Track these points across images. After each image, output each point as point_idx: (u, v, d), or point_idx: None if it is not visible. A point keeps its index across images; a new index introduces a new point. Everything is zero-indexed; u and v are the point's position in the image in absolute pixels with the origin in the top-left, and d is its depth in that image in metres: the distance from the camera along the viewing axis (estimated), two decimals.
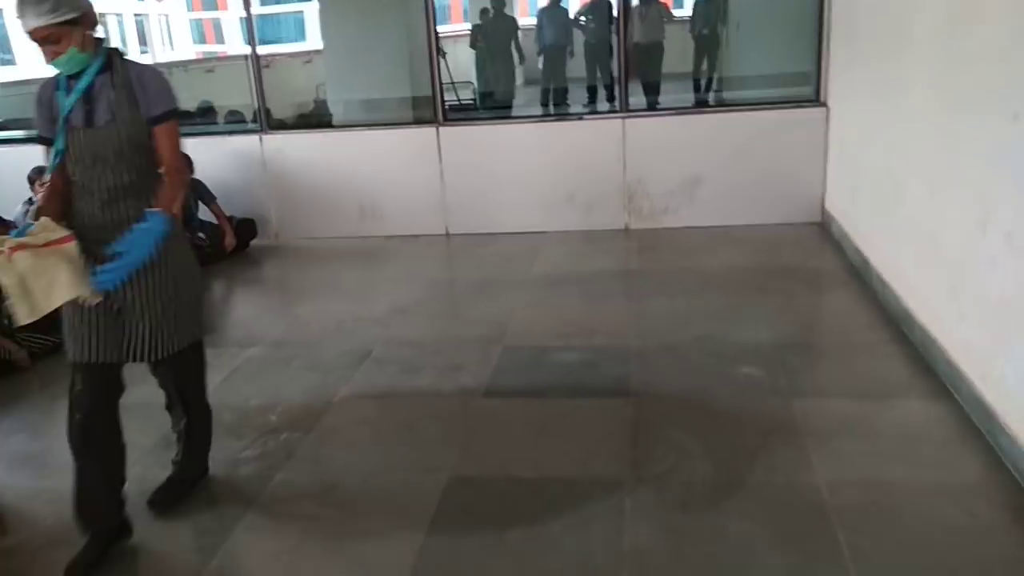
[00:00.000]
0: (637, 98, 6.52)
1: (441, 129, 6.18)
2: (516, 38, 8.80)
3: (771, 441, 3.09)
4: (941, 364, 3.41)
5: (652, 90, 7.33)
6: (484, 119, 6.73)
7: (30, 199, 5.70)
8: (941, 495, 2.68)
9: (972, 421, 3.07)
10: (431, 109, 6.20)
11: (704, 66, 8.63)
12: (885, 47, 4.30)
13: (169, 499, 2.95)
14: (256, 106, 6.52)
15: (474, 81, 8.73)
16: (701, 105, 7.14)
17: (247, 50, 6.65)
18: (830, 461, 2.93)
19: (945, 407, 3.22)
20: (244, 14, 6.89)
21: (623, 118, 5.98)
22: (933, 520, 2.57)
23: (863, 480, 2.80)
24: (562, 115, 6.40)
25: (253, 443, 3.36)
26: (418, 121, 6.29)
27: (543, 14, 9.47)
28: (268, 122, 6.51)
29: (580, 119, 6.28)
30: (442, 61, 6.25)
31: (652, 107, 6.73)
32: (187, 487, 3.02)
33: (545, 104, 8.65)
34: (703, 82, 8.47)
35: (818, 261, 5.15)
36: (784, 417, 3.26)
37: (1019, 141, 2.68)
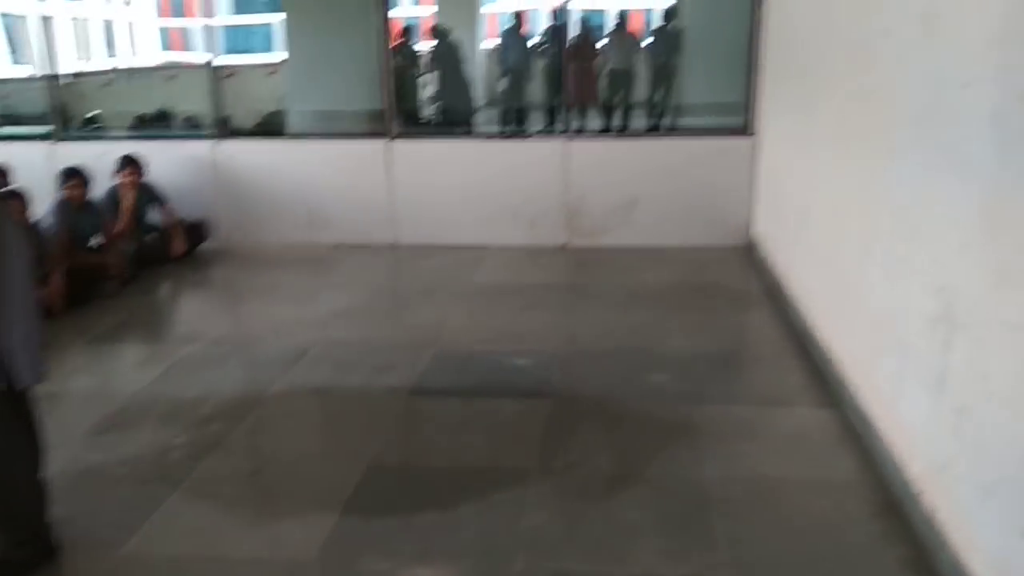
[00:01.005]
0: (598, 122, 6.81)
1: (393, 143, 6.39)
2: (461, 62, 9.08)
3: (672, 441, 3.33)
4: (831, 376, 3.69)
5: (622, 115, 7.63)
6: (435, 135, 6.96)
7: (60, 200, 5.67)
8: (815, 491, 2.94)
9: (853, 426, 3.34)
10: (383, 123, 6.42)
11: (658, 94, 8.99)
12: (802, 82, 4.62)
13: None
14: (212, 113, 6.68)
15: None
16: (650, 130, 7.47)
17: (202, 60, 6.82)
18: (723, 460, 3.17)
19: (831, 414, 3.49)
20: (209, 23, 7.05)
21: (567, 139, 6.25)
22: (805, 512, 2.82)
23: (749, 477, 3.05)
24: (510, 134, 6.65)
25: (184, 431, 3.52)
26: (370, 134, 6.50)
27: (505, 37, 9.78)
28: (223, 129, 6.67)
29: (527, 138, 6.53)
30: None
31: (621, 130, 7.01)
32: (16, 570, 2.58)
33: (506, 124, 8.94)
34: (654, 109, 8.84)
35: (739, 282, 5.44)
36: (687, 420, 3.51)
37: (894, 174, 2.97)
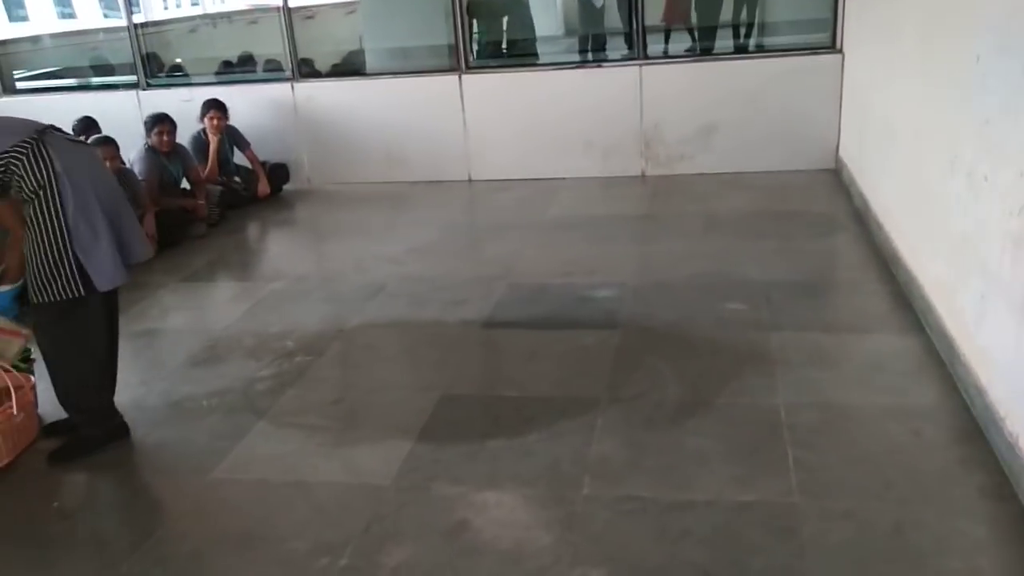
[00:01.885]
0: (680, 45, 6.59)
1: (464, 77, 6.36)
2: None
3: (743, 369, 3.30)
4: (917, 300, 3.55)
5: (705, 36, 7.31)
6: (506, 67, 6.87)
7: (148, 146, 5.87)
8: (891, 417, 2.87)
9: (937, 353, 3.23)
10: (454, 57, 6.38)
11: (743, 15, 8.57)
12: None
13: (63, 454, 3.04)
14: (288, 55, 6.77)
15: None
16: (729, 51, 7.16)
17: (293, 3, 6.85)
18: (794, 387, 3.12)
19: (915, 340, 3.38)
20: None
21: (640, 65, 6.09)
22: (878, 438, 2.76)
23: (821, 403, 3.00)
24: (581, 63, 6.50)
25: (269, 364, 3.68)
26: (442, 69, 6.47)
27: None
28: (300, 70, 6.76)
29: (599, 66, 6.40)
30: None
31: (701, 52, 6.75)
32: (82, 446, 3.06)
33: (583, 52, 8.70)
34: (739, 30, 8.44)
35: (824, 206, 5.25)
36: (760, 348, 3.45)
37: (979, 83, 2.80)
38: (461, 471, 2.77)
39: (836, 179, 5.73)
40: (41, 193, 2.78)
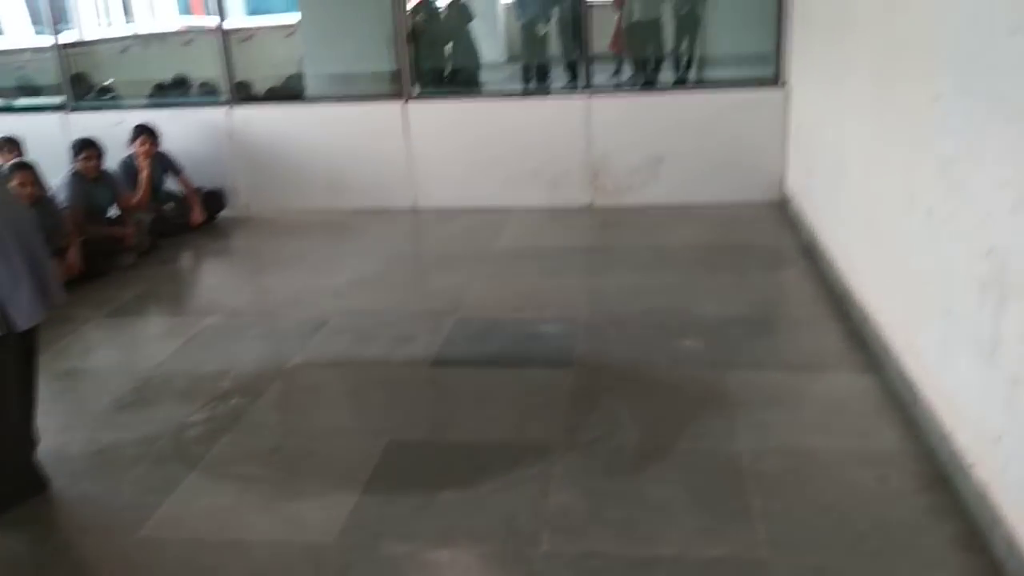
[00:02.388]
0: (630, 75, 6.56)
1: (409, 104, 6.22)
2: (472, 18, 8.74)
3: (702, 411, 3.20)
4: (872, 339, 3.52)
5: (647, 67, 7.32)
6: (452, 95, 6.76)
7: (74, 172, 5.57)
8: (856, 463, 2.79)
9: (896, 393, 3.18)
10: (398, 84, 6.24)
11: (683, 46, 8.64)
12: (835, 28, 4.37)
13: None
14: (226, 79, 6.53)
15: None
16: (675, 83, 7.18)
17: (227, 23, 6.65)
18: (755, 430, 3.03)
19: (872, 380, 3.33)
20: None
21: (588, 96, 6.04)
22: (845, 485, 2.68)
23: (784, 448, 2.91)
24: (528, 92, 6.43)
25: (202, 407, 3.44)
26: (385, 95, 6.32)
27: None
28: (236, 95, 6.53)
29: (546, 96, 6.33)
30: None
31: (647, 84, 6.76)
32: None
33: (527, 81, 8.65)
34: (680, 61, 8.50)
35: (772, 240, 5.24)
36: (718, 388, 3.37)
37: (939, 123, 2.77)
38: (411, 526, 2.60)
39: (782, 212, 5.74)
40: None
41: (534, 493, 2.73)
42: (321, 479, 2.90)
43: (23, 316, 2.68)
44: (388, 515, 2.67)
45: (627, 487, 2.74)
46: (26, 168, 4.84)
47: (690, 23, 8.49)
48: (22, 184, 4.78)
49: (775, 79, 5.84)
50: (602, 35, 7.04)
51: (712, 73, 6.52)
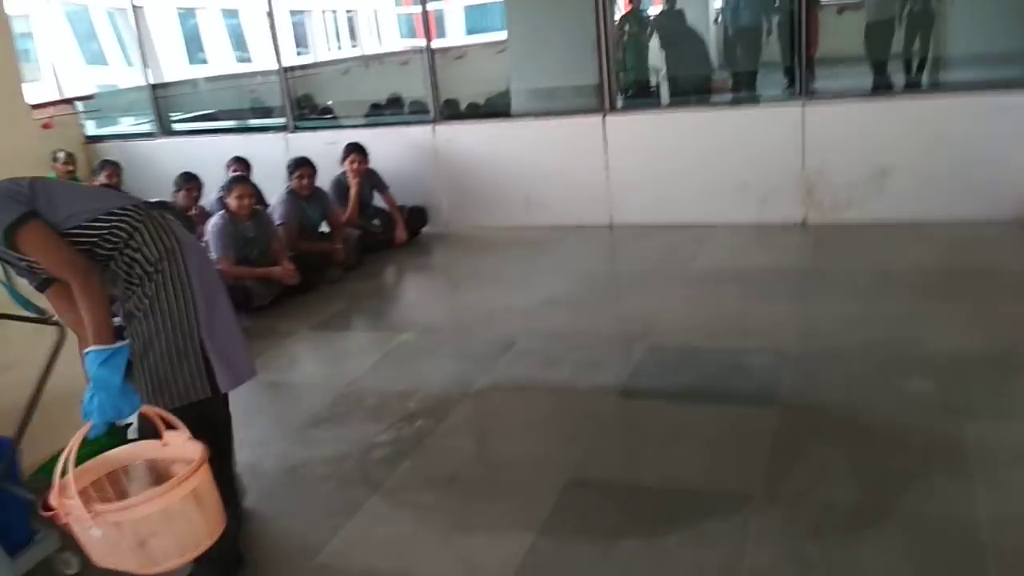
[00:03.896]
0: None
1: (608, 118, 6.04)
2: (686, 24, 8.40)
3: (932, 467, 2.75)
4: None
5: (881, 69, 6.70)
6: (653, 107, 6.50)
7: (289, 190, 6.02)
8: None
9: None
10: (599, 97, 6.08)
11: (916, 46, 7.84)
12: None
13: None
14: (431, 97, 6.68)
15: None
16: (911, 87, 6.48)
17: (445, 42, 6.82)
18: (1000, 494, 2.56)
19: None
20: (461, 5, 7.01)
21: (802, 104, 5.56)
22: None
23: None
24: (736, 101, 6.03)
25: (389, 428, 3.44)
26: (586, 110, 6.18)
27: None
28: (441, 112, 6.66)
29: (756, 104, 5.91)
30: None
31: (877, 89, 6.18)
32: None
33: (736, 89, 8.21)
34: (914, 63, 7.71)
35: (1021, 264, 4.54)
36: (952, 440, 2.89)
37: None
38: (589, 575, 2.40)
39: None
40: (163, 266, 2.35)
41: (728, 551, 2.44)
42: (497, 514, 2.77)
43: (231, 374, 2.48)
44: (565, 560, 2.49)
45: (838, 552, 2.39)
46: (244, 182, 5.18)
47: (924, 20, 7.67)
48: (240, 197, 5.12)
49: None
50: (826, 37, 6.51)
51: (953, 75, 5.81)
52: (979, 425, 2.96)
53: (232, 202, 5.17)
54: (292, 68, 7.71)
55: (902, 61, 6.62)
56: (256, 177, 6.15)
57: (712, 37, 9.27)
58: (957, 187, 5.31)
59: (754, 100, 6.04)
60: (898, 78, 6.46)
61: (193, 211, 5.83)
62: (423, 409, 3.58)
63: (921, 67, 6.75)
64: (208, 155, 6.81)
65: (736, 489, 2.75)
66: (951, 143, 5.25)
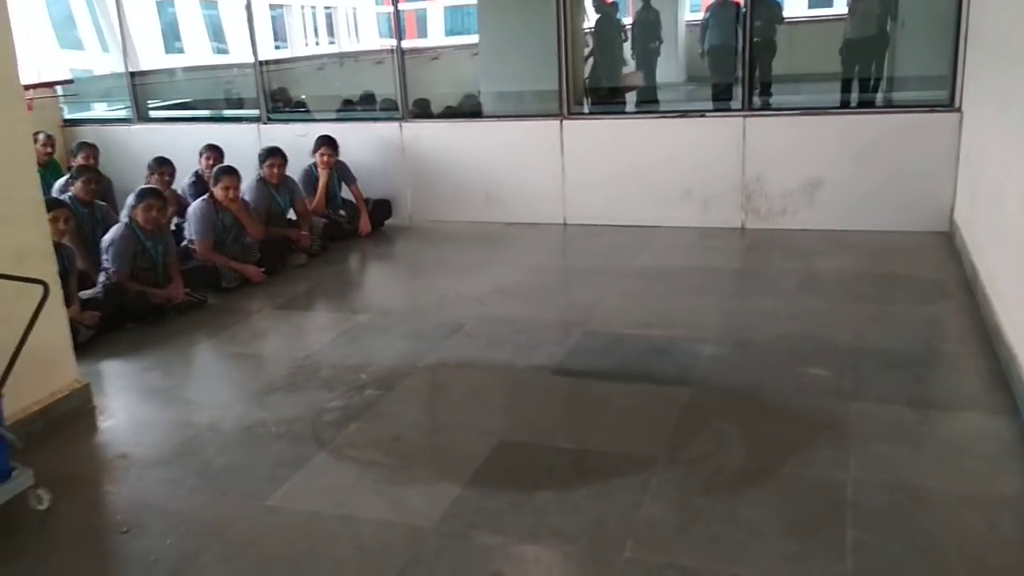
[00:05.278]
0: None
1: (565, 122, 6.41)
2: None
3: (815, 439, 3.13)
4: (1016, 381, 3.29)
5: (862, 87, 7.05)
6: (607, 113, 6.89)
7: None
8: (967, 505, 2.66)
9: None
10: (556, 103, 6.45)
11: (857, 68, 8.25)
12: (1007, 54, 4.11)
13: None
14: (399, 95, 7.01)
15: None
16: (843, 106, 6.92)
17: (424, 43, 7.13)
18: (867, 463, 2.94)
19: (1007, 423, 3.13)
20: (442, 6, 7.33)
21: (744, 116, 5.97)
22: (950, 527, 2.56)
23: (892, 483, 2.81)
24: (683, 112, 6.42)
25: (340, 396, 3.77)
26: (543, 114, 6.55)
27: (713, 11, 9.30)
28: (409, 111, 6.98)
29: (702, 116, 6.31)
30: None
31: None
32: None
33: (715, 100, 8.52)
34: (852, 83, 8.12)
35: (932, 271, 4.97)
36: (836, 418, 3.28)
37: None
38: (504, 521, 2.75)
39: (949, 243, 5.42)
40: None
41: (627, 502, 2.80)
42: (432, 469, 3.11)
43: None
44: (485, 508, 2.83)
45: (720, 506, 2.75)
46: (232, 173, 5.51)
47: (879, 44, 8.04)
48: (226, 188, 5.43)
49: (950, 103, 5.53)
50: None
51: (883, 95, 6.25)
52: (861, 406, 3.36)
53: (219, 191, 5.48)
54: (268, 62, 7.99)
55: (840, 81, 7.04)
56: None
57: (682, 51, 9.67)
58: (883, 199, 5.74)
59: (701, 112, 6.41)
60: (832, 97, 6.88)
61: (165, 193, 6.11)
62: (373, 380, 3.91)
63: (861, 87, 7.19)
64: (182, 142, 7.09)
65: (642, 453, 3.11)
66: (878, 159, 5.68)
